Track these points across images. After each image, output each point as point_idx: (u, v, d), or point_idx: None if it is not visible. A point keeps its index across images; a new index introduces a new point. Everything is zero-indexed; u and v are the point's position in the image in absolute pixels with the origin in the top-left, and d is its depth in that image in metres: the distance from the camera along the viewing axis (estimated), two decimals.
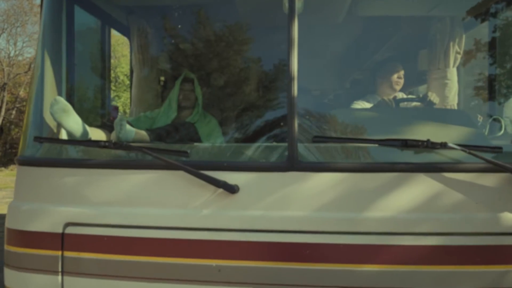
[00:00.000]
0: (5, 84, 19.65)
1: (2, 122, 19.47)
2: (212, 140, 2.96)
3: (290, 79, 1.76)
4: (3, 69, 19.88)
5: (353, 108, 3.19)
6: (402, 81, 3.36)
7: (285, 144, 1.75)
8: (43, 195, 1.89)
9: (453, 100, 3.14)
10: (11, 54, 21.07)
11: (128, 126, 2.31)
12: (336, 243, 1.64)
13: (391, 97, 3.40)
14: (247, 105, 3.08)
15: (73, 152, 1.97)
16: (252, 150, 1.82)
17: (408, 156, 1.69)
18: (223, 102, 3.36)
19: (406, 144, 1.65)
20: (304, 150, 1.73)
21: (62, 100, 2.20)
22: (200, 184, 1.72)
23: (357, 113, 2.37)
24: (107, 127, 2.68)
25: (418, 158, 1.69)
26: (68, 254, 1.80)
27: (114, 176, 1.82)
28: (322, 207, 1.67)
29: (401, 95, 3.64)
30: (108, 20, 3.25)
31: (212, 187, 1.71)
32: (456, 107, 3.15)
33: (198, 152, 1.92)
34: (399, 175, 1.66)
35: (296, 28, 1.78)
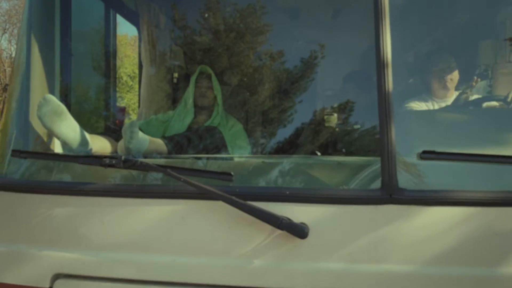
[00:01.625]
0: (6, 85, 19.21)
1: None
2: (237, 150, 2.41)
3: (383, 66, 1.20)
4: (4, 70, 19.46)
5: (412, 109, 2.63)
6: (457, 79, 2.80)
7: (376, 163, 1.19)
8: (24, 233, 1.34)
9: None
10: (13, 55, 20.64)
11: (141, 134, 1.76)
12: None
13: (447, 97, 2.84)
14: (290, 102, 2.53)
15: (67, 171, 1.41)
16: (323, 170, 1.26)
17: None
18: (253, 102, 2.81)
19: None
20: (406, 171, 1.16)
21: (53, 100, 1.65)
22: (250, 221, 1.16)
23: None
24: (113, 133, 2.12)
25: None
26: None
27: (123, 208, 1.26)
28: (439, 259, 1.11)
29: (455, 94, 3.07)
30: (113, 3, 2.69)
31: (268, 227, 1.15)
32: None
33: (237, 170, 1.36)
34: None
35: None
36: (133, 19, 3.00)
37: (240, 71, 3.10)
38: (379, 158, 1.18)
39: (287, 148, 2.50)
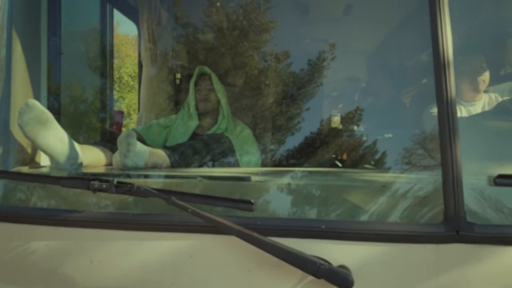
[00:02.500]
0: None
1: None
2: (246, 157, 2.16)
3: (443, 69, 0.95)
4: None
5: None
6: (488, 80, 2.56)
7: (430, 185, 0.94)
8: None
9: None
10: None
11: (139, 145, 1.51)
12: None
13: (475, 100, 2.59)
14: (304, 105, 2.29)
15: (50, 194, 1.17)
16: (364, 195, 1.01)
17: None
18: (262, 104, 2.56)
19: None
20: (476, 201, 0.91)
21: (37, 106, 1.42)
22: (276, 263, 0.91)
23: None
24: (108, 142, 1.88)
25: None
26: None
27: (116, 243, 1.01)
28: None
29: (485, 96, 2.81)
30: None
31: (299, 272, 0.90)
32: None
33: (255, 193, 1.12)
34: None
35: None
36: (132, 15, 2.75)
37: (247, 70, 2.86)
38: (437, 180, 0.93)
39: (300, 156, 2.26)
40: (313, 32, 3.25)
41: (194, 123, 2.29)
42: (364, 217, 0.97)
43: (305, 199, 1.04)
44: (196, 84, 2.29)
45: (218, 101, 2.28)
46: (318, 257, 0.90)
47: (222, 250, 0.97)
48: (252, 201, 0.96)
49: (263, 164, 2.28)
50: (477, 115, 2.43)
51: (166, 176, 1.24)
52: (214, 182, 1.16)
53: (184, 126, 2.32)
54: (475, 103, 2.58)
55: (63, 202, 1.13)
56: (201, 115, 2.29)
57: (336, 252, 0.92)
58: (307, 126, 2.71)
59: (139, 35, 2.79)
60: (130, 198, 1.06)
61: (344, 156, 1.97)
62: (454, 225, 0.89)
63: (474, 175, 0.95)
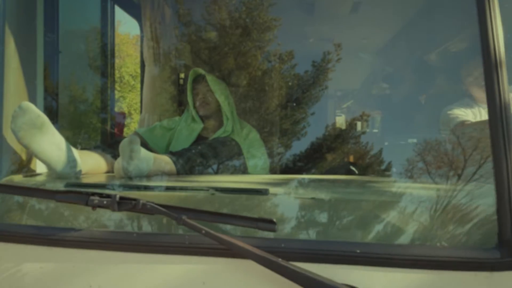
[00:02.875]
0: None
1: None
2: (252, 161, 2.05)
3: (495, 68, 0.82)
4: None
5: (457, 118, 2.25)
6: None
7: (487, 205, 0.82)
8: None
9: None
10: None
11: (143, 152, 1.39)
12: None
13: None
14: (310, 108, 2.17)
15: (44, 210, 1.05)
16: (399, 213, 0.89)
17: None
18: (269, 105, 2.43)
19: None
20: None
21: (31, 109, 1.30)
22: None
23: None
24: (109, 146, 1.75)
25: None
26: None
27: (118, 266, 0.89)
28: None
29: None
30: None
31: None
32: None
33: (274, 208, 1.00)
34: None
35: None
36: (134, 12, 2.63)
37: (251, 71, 2.73)
38: (488, 193, 0.81)
39: (311, 160, 2.14)
40: (318, 31, 3.13)
41: (198, 126, 2.18)
42: (402, 240, 0.85)
43: (333, 216, 0.91)
44: (193, 88, 2.18)
45: (217, 103, 2.16)
46: (351, 286, 0.78)
47: (239, 277, 0.85)
48: (275, 220, 0.83)
49: (271, 168, 2.17)
50: None
51: (174, 189, 1.11)
52: (228, 195, 1.04)
53: (188, 128, 2.20)
54: None
55: (59, 219, 1.00)
56: (204, 117, 2.18)
57: (371, 280, 0.80)
58: (316, 128, 2.59)
59: (141, 33, 2.67)
60: (136, 214, 0.94)
61: (359, 161, 1.85)
62: (510, 249, 0.77)
63: None
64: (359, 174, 2.00)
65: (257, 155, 2.12)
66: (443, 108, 2.37)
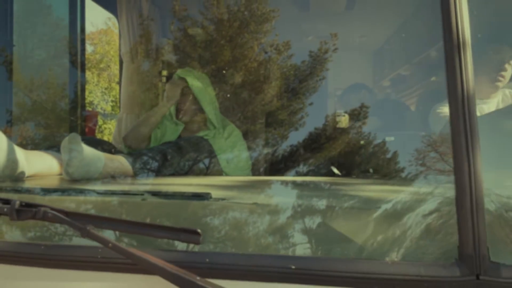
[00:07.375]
0: None
1: None
2: (233, 162, 1.94)
3: (459, 58, 0.69)
4: None
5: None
6: (509, 76, 2.27)
7: (445, 213, 0.69)
8: None
9: None
10: None
11: (90, 152, 1.27)
12: None
13: (490, 97, 2.32)
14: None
15: None
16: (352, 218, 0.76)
17: None
18: (256, 103, 2.31)
19: None
20: (503, 234, 0.66)
21: None
22: None
23: None
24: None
25: None
26: None
27: (26, 283, 0.78)
28: None
29: (501, 94, 2.53)
30: None
31: None
32: None
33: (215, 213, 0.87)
34: None
35: None
36: (108, 4, 2.51)
37: (244, 66, 2.61)
38: (447, 200, 0.68)
39: (292, 163, 2.01)
40: (315, 27, 3.01)
41: (179, 127, 2.09)
42: (347, 253, 0.72)
43: (273, 224, 0.79)
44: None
45: (200, 108, 2.04)
46: None
47: None
48: (199, 231, 0.71)
49: (255, 167, 2.05)
50: (492, 113, 2.16)
51: (106, 193, 0.99)
52: (164, 201, 0.92)
53: (171, 129, 2.10)
54: (488, 101, 2.31)
55: None
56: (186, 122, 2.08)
57: None
58: (307, 125, 2.46)
59: (119, 27, 2.56)
60: (52, 225, 0.82)
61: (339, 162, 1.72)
62: (473, 267, 0.64)
63: (500, 195, 0.70)
64: (342, 176, 1.87)
65: (238, 156, 2.02)
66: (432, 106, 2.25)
